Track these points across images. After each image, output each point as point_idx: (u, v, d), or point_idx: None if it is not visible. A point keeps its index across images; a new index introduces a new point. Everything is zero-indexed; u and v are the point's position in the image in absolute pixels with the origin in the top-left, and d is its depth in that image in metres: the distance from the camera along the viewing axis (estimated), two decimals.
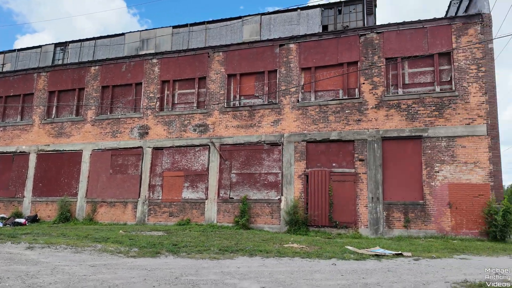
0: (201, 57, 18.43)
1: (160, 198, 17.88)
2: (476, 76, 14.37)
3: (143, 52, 21.14)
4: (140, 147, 18.69)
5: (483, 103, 14.17)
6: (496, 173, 13.76)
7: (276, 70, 17.04)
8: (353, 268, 7.87)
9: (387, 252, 10.48)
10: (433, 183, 14.30)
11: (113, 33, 23.93)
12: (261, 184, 16.51)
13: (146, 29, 22.79)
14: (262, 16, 20.49)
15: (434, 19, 15.17)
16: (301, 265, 8.21)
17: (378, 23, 20.97)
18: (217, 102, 17.59)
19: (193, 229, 15.40)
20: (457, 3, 18.58)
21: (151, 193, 18.11)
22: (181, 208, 17.38)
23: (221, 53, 18.07)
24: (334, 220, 15.12)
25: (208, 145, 17.50)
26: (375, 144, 15.13)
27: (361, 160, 15.28)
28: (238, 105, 17.53)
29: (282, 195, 16.03)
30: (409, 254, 10.32)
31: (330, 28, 20.01)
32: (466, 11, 16.31)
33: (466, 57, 14.58)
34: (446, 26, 15.00)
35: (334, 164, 15.69)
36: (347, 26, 19.21)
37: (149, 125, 18.71)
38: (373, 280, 6.63)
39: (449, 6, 19.77)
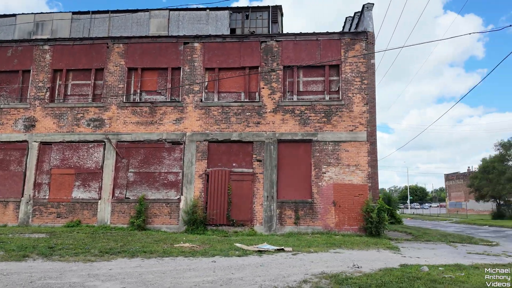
0: (100, 47, 17.35)
1: (47, 197, 16.36)
2: (360, 87, 16.02)
3: (36, 37, 19.15)
4: (25, 141, 16.88)
5: (365, 112, 15.87)
6: (373, 175, 15.50)
7: (180, 68, 16.84)
8: (230, 265, 8.16)
9: (271, 248, 11.09)
10: (321, 183, 15.55)
11: (3, 13, 21.26)
12: (161, 184, 16.16)
13: (42, 12, 20.70)
14: (171, 12, 20.09)
15: (327, 33, 16.52)
16: (179, 264, 8.24)
17: (291, 31, 22.02)
18: (116, 96, 16.73)
19: (82, 231, 14.42)
20: (351, 20, 20.50)
21: (36, 192, 16.47)
22: (70, 208, 16.13)
23: (121, 45, 17.24)
24: (232, 219, 15.48)
25: (104, 142, 16.55)
26: (272, 146, 15.90)
27: (258, 160, 15.91)
28: (138, 101, 16.91)
29: (182, 194, 15.89)
30: (290, 249, 11.07)
31: (238, 31, 20.47)
32: (356, 28, 18.09)
33: (352, 70, 16.17)
34: (337, 40, 16.46)
35: (234, 164, 16.07)
36: (254, 31, 19.87)
37: (37, 117, 17.00)
38: (240, 275, 6.96)
39: (345, 22, 21.73)
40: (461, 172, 58.57)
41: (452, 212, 63.39)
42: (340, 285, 6.07)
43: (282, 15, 22.62)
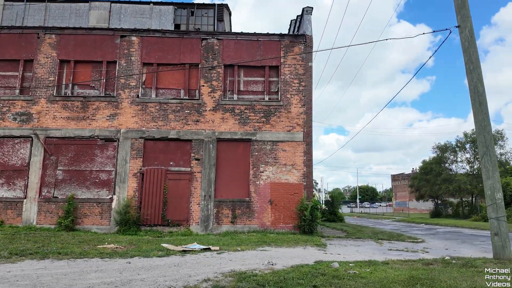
0: (30, 37, 16.29)
1: None
2: (298, 89, 16.34)
3: None
4: None
5: (302, 114, 16.20)
6: (308, 174, 15.86)
7: (116, 62, 16.23)
8: (144, 265, 7.93)
9: (198, 247, 10.96)
10: (258, 182, 15.66)
11: None
12: (92, 183, 15.46)
13: None
14: (112, 4, 19.33)
15: (267, 34, 16.69)
16: (90, 265, 7.88)
17: (239, 31, 21.94)
18: (45, 89, 15.79)
19: (3, 231, 13.47)
20: (295, 22, 20.85)
21: None
22: None
23: (54, 36, 16.31)
24: (167, 219, 15.16)
25: (31, 137, 15.55)
26: (211, 145, 15.77)
27: (197, 159, 15.72)
28: (70, 95, 16.07)
29: (114, 194, 15.30)
30: (217, 248, 11.01)
31: (183, 27, 20.12)
32: (297, 31, 18.43)
33: (291, 72, 16.45)
34: (277, 42, 16.66)
35: (171, 163, 15.75)
36: (199, 28, 19.63)
37: None
38: (145, 276, 6.78)
39: (290, 25, 22.05)
40: (406, 173, 61.81)
41: (397, 211, 66.82)
42: (240, 282, 6.07)
43: (230, 14, 22.56)
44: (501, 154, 34.81)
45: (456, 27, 9.43)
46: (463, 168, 36.62)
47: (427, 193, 38.46)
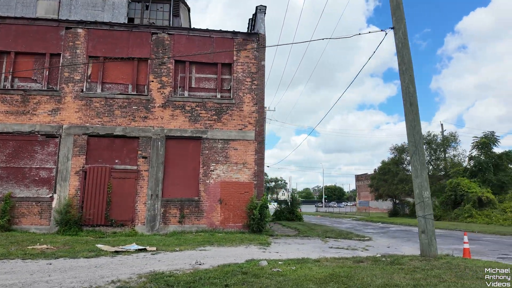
0: None
1: None
2: (250, 88, 16.24)
3: None
4: None
5: (254, 112, 16.11)
6: (259, 173, 15.79)
7: (60, 54, 15.47)
8: (63, 267, 7.52)
9: (134, 248, 10.59)
10: (208, 181, 15.42)
11: None
12: (31, 181, 14.66)
13: None
14: None
15: (220, 31, 16.48)
16: (3, 267, 7.38)
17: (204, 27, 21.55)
18: None
19: None
20: (251, 21, 20.76)
21: None
22: None
23: None
24: (111, 219, 14.61)
25: None
26: (159, 142, 15.36)
27: (144, 157, 15.26)
28: (9, 88, 15.16)
29: (55, 192, 14.58)
30: (154, 249, 10.68)
31: (137, 21, 19.56)
32: (253, 29, 18.33)
33: (244, 70, 16.33)
34: (230, 39, 16.49)
35: (117, 161, 15.20)
36: (153, 23, 19.13)
37: None
38: (55, 277, 6.40)
39: (248, 23, 21.94)
40: (369, 174, 63.43)
41: (361, 210, 68.44)
42: (150, 283, 5.84)
43: (188, 10, 22.17)
44: (454, 156, 36.45)
45: (391, 28, 9.62)
46: None
47: (385, 193, 39.60)
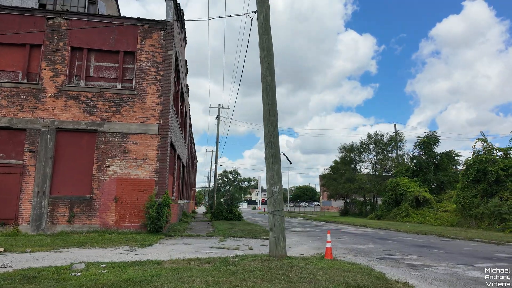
0: None
1: None
2: (155, 78, 15.27)
3: None
4: None
5: (158, 105, 15.14)
6: (161, 170, 14.82)
7: None
8: None
9: None
10: (103, 178, 14.34)
11: None
12: None
13: None
14: None
15: (123, 18, 15.44)
16: None
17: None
18: None
19: None
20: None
21: None
22: None
23: None
24: None
25: None
26: (49, 135, 14.17)
27: (31, 151, 14.03)
28: None
29: None
30: (1, 249, 9.58)
31: (49, 7, 18.29)
32: (167, 18, 17.34)
33: (148, 59, 15.34)
34: (134, 27, 15.47)
35: (1, 154, 13.90)
36: (68, 9, 17.90)
37: None
38: None
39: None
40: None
41: (324, 209, 68.58)
42: None
43: None
44: (400, 156, 36.55)
45: (254, 12, 8.89)
46: (366, 168, 38.07)
47: (334, 192, 39.43)
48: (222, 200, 30.20)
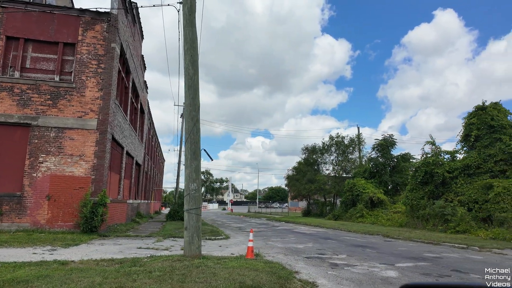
0: None
1: None
2: (96, 71, 14.68)
3: None
4: None
5: (98, 99, 14.57)
6: (99, 167, 14.25)
7: None
8: None
9: None
10: (35, 174, 13.62)
11: None
12: None
13: None
14: None
15: (64, 8, 14.83)
16: None
17: None
18: None
19: None
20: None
21: None
22: None
23: None
24: None
25: None
26: None
27: None
28: None
29: None
30: None
31: None
32: (111, 9, 16.75)
33: (89, 51, 14.74)
34: (76, 17, 14.83)
35: None
36: None
37: None
38: None
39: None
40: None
41: (291, 210, 68.97)
42: None
43: None
44: (359, 158, 37.25)
45: (179, 3, 8.62)
46: (327, 170, 38.56)
47: (296, 193, 39.69)
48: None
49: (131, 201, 22.54)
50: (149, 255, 8.53)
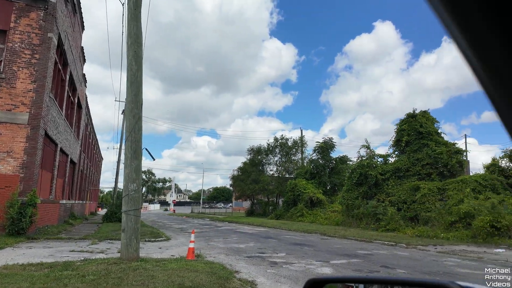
0: None
1: None
2: (29, 62, 13.63)
3: None
4: None
5: (30, 91, 13.53)
6: (29, 165, 13.22)
7: None
8: None
9: None
10: None
11: None
12: None
13: None
14: None
15: None
16: None
17: None
18: None
19: None
20: None
21: None
22: None
23: None
24: None
25: None
26: None
27: None
28: None
29: None
30: None
31: None
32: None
33: (23, 40, 13.64)
34: (8, 2, 13.64)
35: None
36: None
37: None
38: None
39: None
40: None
41: (236, 210, 69.28)
42: None
43: None
44: (301, 159, 38.65)
45: None
46: (271, 170, 39.47)
47: (241, 193, 40.08)
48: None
49: (64, 201, 21.18)
50: (82, 258, 8.14)
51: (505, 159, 19.68)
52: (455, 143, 22.21)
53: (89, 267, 6.84)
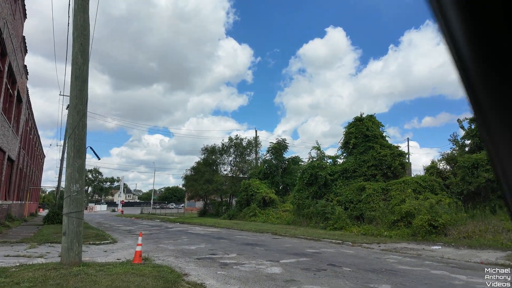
0: None
1: None
2: None
3: None
4: None
5: None
6: None
7: None
8: None
9: None
10: None
11: None
12: None
13: None
14: None
15: None
16: None
17: None
18: None
19: None
20: None
21: None
22: None
23: None
24: None
25: None
26: None
27: None
28: None
29: None
30: None
31: None
32: None
33: None
34: None
35: None
36: None
37: None
38: None
39: None
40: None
41: (188, 210, 68.16)
42: None
43: None
44: (256, 159, 38.99)
45: None
46: (225, 170, 39.39)
47: (194, 193, 39.55)
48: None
49: (0, 201, 19.56)
50: (18, 264, 7.55)
51: (442, 162, 21.24)
52: (399, 146, 23.58)
53: (25, 273, 6.35)
